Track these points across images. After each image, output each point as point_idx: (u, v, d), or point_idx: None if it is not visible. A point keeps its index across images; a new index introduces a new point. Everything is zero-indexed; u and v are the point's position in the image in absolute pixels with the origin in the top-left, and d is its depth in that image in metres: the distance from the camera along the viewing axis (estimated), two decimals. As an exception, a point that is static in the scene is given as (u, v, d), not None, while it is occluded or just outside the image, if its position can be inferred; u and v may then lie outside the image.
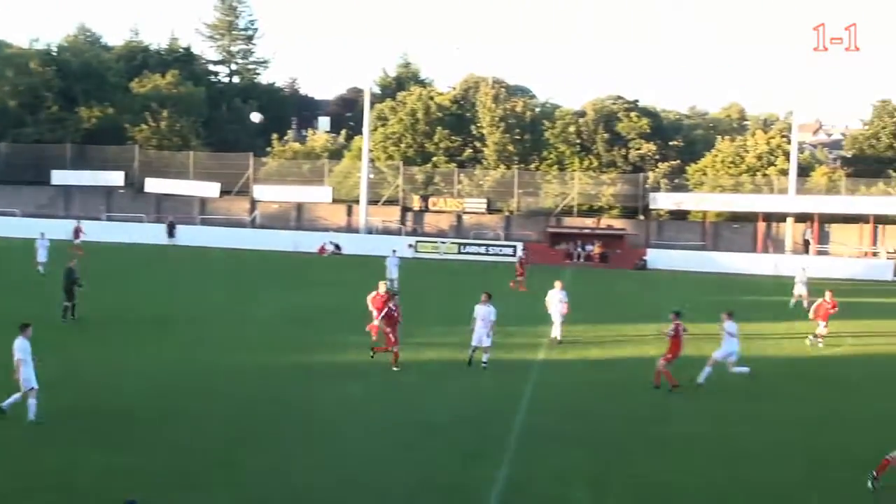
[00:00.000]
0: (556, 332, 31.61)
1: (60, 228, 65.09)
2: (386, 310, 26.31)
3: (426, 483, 16.60)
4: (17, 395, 19.63)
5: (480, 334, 26.15)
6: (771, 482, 17.20)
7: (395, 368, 25.65)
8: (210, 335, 31.58)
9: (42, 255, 48.25)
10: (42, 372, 19.70)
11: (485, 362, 26.30)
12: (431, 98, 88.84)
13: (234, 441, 18.93)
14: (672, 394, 24.36)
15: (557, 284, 32.18)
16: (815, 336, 33.19)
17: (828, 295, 33.25)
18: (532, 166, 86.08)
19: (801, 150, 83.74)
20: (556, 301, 31.65)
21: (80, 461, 17.26)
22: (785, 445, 19.81)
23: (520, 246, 70.36)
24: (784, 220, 77.59)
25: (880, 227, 76.59)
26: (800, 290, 44.17)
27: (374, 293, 31.02)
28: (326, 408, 22.07)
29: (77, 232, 61.30)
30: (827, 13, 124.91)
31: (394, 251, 50.75)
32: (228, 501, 15.58)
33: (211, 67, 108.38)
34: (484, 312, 26.30)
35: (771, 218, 78.30)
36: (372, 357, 26.41)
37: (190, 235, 74.47)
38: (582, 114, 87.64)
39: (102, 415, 20.52)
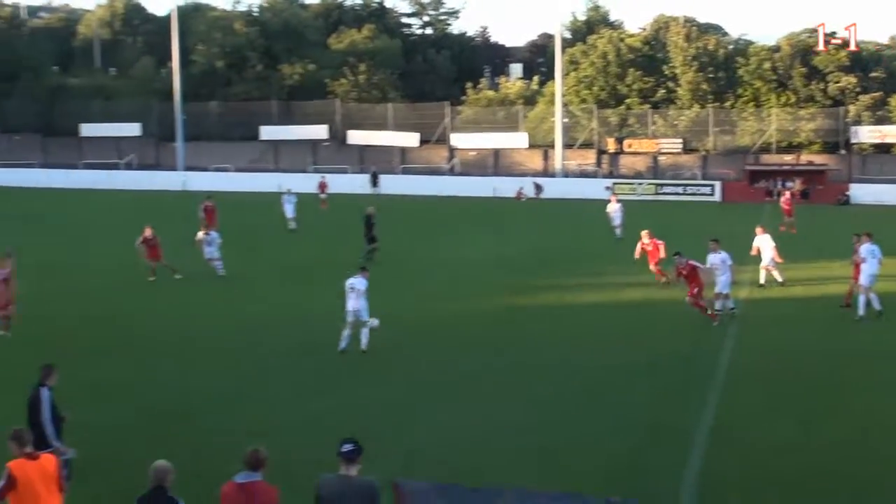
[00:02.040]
0: (764, 277, 31.52)
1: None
2: (688, 265, 25.82)
3: (630, 423, 17.08)
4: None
5: (723, 281, 26.05)
6: None
7: (715, 323, 25.42)
8: (422, 280, 33.26)
9: (290, 211, 49.65)
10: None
11: (732, 307, 26.51)
12: (622, 40, 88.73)
13: (447, 383, 20.24)
14: (881, 330, 24.65)
15: (759, 230, 31.90)
16: None
17: None
18: (727, 104, 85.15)
19: None
20: (766, 246, 31.28)
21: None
22: None
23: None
24: None
25: None
26: None
27: (640, 243, 31.98)
28: (532, 349, 22.97)
29: (322, 187, 62.89)
30: None
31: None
32: (441, 437, 16.66)
33: (404, 20, 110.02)
34: (718, 260, 26.17)
35: None
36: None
37: (392, 184, 76.85)
38: (777, 49, 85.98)
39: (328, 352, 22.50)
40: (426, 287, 32.26)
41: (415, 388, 20.04)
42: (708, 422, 17.18)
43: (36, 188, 76.77)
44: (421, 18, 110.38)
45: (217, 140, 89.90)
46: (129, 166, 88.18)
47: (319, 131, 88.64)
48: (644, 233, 32.14)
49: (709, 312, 25.72)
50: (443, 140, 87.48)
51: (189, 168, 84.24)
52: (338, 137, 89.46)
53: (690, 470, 14.97)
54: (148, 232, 33.76)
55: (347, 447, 9.85)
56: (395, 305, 27.23)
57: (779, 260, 31.32)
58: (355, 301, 22.66)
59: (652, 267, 31.58)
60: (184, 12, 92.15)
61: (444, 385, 20.31)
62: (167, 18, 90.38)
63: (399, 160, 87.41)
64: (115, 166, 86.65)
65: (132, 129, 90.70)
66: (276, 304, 29.09)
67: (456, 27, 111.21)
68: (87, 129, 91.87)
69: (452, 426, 17.39)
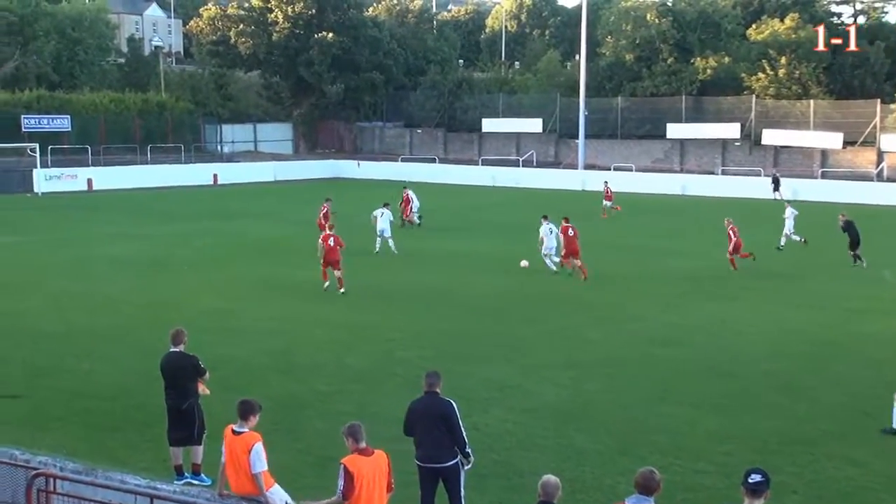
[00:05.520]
0: None
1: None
2: None
3: None
4: None
5: None
6: None
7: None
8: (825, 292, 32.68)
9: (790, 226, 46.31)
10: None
11: None
12: None
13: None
14: None
15: None
16: None
17: None
18: None
19: None
20: None
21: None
22: None
23: None
24: None
25: None
26: None
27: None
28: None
29: (607, 193, 58.18)
30: None
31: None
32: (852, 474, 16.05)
33: (833, 9, 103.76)
34: None
35: None
36: None
37: (809, 190, 69.79)
38: None
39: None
40: (841, 303, 30.97)
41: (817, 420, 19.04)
42: None
43: (436, 183, 78.09)
44: (853, 6, 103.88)
45: (620, 137, 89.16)
46: (527, 163, 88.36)
47: (731, 130, 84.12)
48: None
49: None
50: (870, 141, 79.94)
51: (588, 166, 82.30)
52: (751, 137, 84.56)
53: None
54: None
55: (755, 478, 9.78)
56: (801, 320, 28.02)
57: None
58: (549, 241, 33.70)
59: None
60: (594, 3, 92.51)
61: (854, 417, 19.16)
62: (576, 10, 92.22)
63: (819, 163, 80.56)
64: (515, 163, 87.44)
65: (533, 125, 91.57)
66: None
67: (893, 15, 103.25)
68: (488, 125, 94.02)
69: (863, 463, 16.60)
